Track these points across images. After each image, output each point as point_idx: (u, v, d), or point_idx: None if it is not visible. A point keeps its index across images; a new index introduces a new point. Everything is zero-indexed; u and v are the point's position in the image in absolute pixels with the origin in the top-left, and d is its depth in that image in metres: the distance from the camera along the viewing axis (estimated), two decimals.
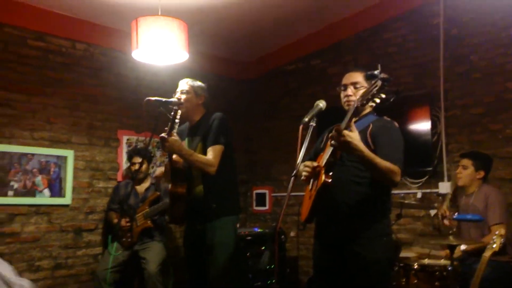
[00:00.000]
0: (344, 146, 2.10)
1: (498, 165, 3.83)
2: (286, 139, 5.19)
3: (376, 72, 2.19)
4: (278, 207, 5.53)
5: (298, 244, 5.02)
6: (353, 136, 2.11)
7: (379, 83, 2.03)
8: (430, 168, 4.16)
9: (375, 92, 2.04)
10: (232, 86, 5.75)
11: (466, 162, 3.43)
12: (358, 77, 2.45)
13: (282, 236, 4.49)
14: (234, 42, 5.15)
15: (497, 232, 2.67)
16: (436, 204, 4.06)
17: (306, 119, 2.38)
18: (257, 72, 5.86)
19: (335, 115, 2.41)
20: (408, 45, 4.55)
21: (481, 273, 2.60)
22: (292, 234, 5.19)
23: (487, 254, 2.62)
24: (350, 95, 2.42)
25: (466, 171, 3.43)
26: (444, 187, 4.07)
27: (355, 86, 2.42)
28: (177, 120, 2.79)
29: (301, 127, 2.35)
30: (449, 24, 4.25)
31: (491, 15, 4.00)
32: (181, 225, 3.67)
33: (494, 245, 2.61)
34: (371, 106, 2.44)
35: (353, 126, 2.15)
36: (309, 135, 2.35)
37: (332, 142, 2.12)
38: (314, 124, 2.39)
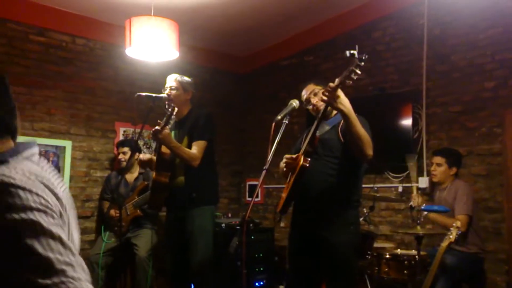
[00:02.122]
0: (335, 100, 2.34)
1: (473, 162, 4.01)
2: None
3: (353, 51, 2.38)
4: (270, 198, 5.74)
5: (278, 235, 5.23)
6: (343, 95, 2.35)
7: (357, 60, 2.26)
8: (411, 163, 4.33)
9: (352, 68, 2.28)
10: (228, 79, 5.95)
11: (439, 160, 3.60)
12: (311, 86, 2.76)
13: (251, 225, 4.73)
14: (229, 38, 5.34)
15: (454, 224, 2.86)
16: (413, 195, 4.23)
17: (279, 117, 2.61)
18: (252, 67, 6.04)
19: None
20: (395, 44, 4.71)
21: (438, 261, 2.79)
22: (282, 224, 5.41)
23: (444, 244, 2.81)
24: (315, 103, 2.66)
25: (440, 169, 3.60)
26: (424, 182, 4.25)
27: (315, 94, 2.68)
28: (173, 116, 2.99)
29: (273, 124, 2.57)
30: (432, 24, 4.40)
31: (470, 17, 4.14)
32: (159, 211, 3.91)
33: (451, 236, 2.80)
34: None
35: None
36: (281, 132, 2.57)
37: (324, 97, 2.36)
38: (286, 122, 2.61)
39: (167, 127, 2.97)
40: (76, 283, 0.71)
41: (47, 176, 0.84)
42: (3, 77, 0.92)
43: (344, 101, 2.35)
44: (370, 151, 2.45)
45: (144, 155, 3.27)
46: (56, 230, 0.73)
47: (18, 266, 0.67)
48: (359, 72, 2.31)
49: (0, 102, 0.89)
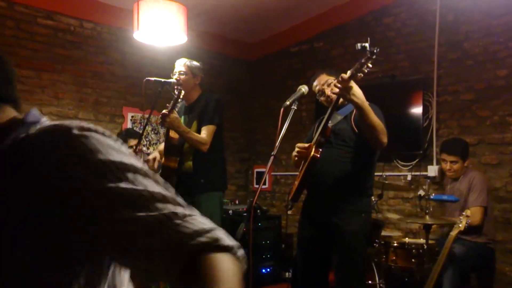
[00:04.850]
0: (347, 91, 2.31)
1: (484, 151, 3.95)
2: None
3: (365, 44, 2.34)
4: (278, 186, 5.72)
5: (286, 222, 5.22)
6: (356, 86, 2.33)
7: (368, 54, 2.22)
8: (420, 152, 4.29)
9: (363, 61, 2.24)
10: (237, 66, 5.90)
11: (454, 158, 3.51)
12: (324, 77, 2.71)
13: (258, 211, 4.73)
14: (238, 24, 5.28)
15: (463, 213, 2.83)
16: (425, 186, 4.20)
17: (288, 103, 2.57)
18: (261, 53, 5.98)
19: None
20: (406, 30, 4.63)
21: (447, 250, 2.77)
22: (289, 212, 5.38)
23: (453, 233, 2.78)
24: (329, 95, 2.62)
25: (456, 166, 3.52)
26: (433, 170, 4.20)
27: (328, 84, 2.64)
28: (180, 99, 2.95)
29: (282, 110, 2.53)
30: (445, 10, 4.31)
31: (484, 3, 4.04)
32: None
33: (461, 225, 2.77)
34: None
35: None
36: (290, 118, 2.53)
37: (336, 88, 2.32)
38: (295, 108, 2.58)
39: (175, 110, 2.94)
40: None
41: None
42: None
43: (357, 93, 2.32)
44: (385, 139, 2.44)
45: (152, 157, 3.20)
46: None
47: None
48: (370, 65, 2.27)
49: None
